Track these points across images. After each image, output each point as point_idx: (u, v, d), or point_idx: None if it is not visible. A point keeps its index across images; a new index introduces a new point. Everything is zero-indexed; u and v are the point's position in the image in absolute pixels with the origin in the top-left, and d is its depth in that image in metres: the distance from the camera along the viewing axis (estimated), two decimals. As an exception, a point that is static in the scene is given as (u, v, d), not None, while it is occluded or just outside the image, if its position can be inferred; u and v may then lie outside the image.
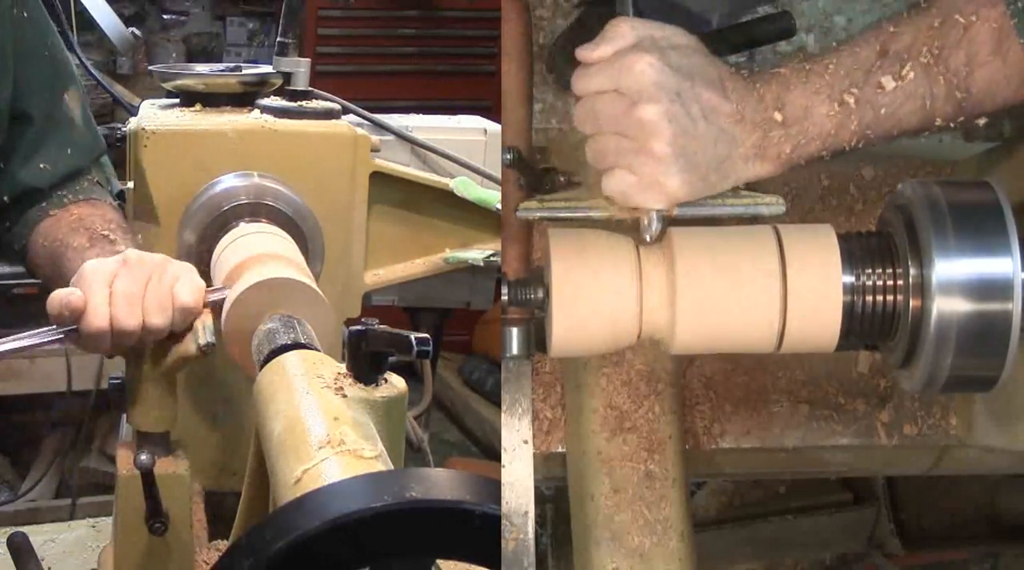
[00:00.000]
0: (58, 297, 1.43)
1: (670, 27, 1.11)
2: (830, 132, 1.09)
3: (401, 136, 2.10)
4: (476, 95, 3.93)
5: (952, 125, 1.11)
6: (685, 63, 1.08)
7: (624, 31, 1.09)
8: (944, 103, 1.09)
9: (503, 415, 1.23)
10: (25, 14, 1.73)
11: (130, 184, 1.92)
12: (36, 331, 1.44)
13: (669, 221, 1.15)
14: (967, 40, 1.08)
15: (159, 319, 1.43)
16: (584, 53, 1.10)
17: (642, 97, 1.06)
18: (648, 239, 1.11)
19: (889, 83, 1.08)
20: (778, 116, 1.08)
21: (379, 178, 2.01)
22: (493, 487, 0.94)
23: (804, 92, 1.09)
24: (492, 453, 3.64)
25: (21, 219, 1.73)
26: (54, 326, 1.44)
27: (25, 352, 1.45)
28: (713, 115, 1.08)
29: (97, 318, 1.41)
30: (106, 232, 1.65)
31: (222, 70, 2.16)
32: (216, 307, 1.50)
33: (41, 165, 1.73)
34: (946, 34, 1.08)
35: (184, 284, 1.47)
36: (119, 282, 1.44)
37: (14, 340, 1.43)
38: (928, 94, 1.09)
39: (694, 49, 1.10)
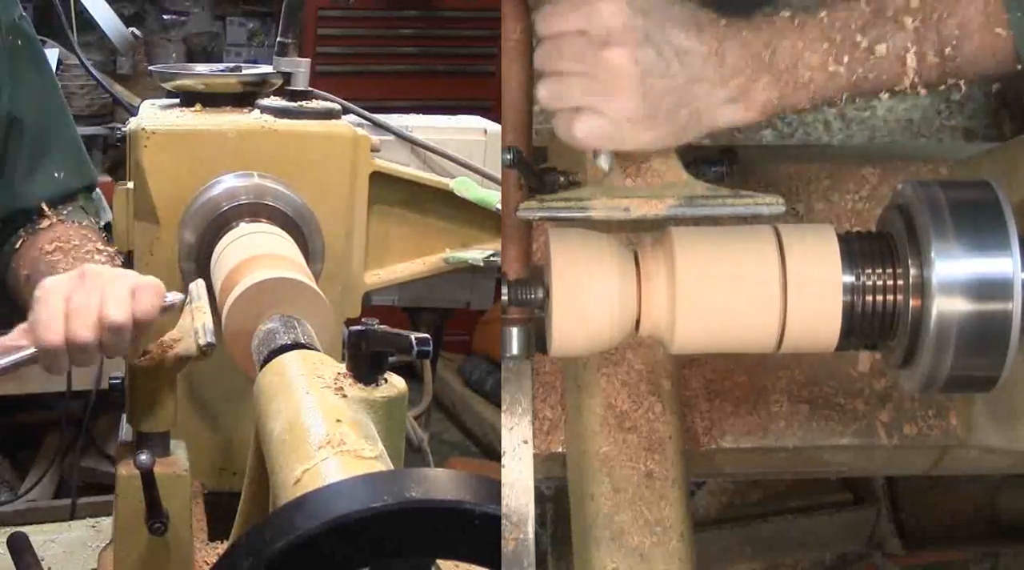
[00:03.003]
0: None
1: None
2: (819, 85, 1.09)
3: (401, 136, 2.10)
4: (476, 95, 3.93)
5: (928, 88, 1.11)
6: (656, 7, 1.07)
7: None
8: (930, 70, 1.09)
9: (503, 415, 1.23)
10: (19, 42, 1.74)
11: (130, 184, 1.92)
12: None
13: (673, 222, 1.15)
14: (960, 9, 1.07)
15: (120, 316, 1.40)
16: None
17: (611, 39, 1.06)
18: (606, 168, 1.11)
19: (880, 48, 1.08)
20: (767, 60, 1.08)
21: (379, 178, 2.01)
22: (493, 487, 0.94)
23: (797, 41, 1.08)
24: (492, 453, 3.64)
25: (8, 242, 1.73)
26: (16, 353, 1.43)
27: None
28: (687, 57, 1.07)
29: (51, 333, 1.40)
30: (80, 246, 1.65)
31: (222, 70, 2.16)
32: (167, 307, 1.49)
33: (32, 187, 1.73)
34: (941, 1, 1.07)
35: (139, 293, 1.43)
36: (75, 296, 1.42)
37: None
38: (916, 60, 1.08)
39: None
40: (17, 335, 1.45)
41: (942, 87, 1.10)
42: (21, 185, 1.72)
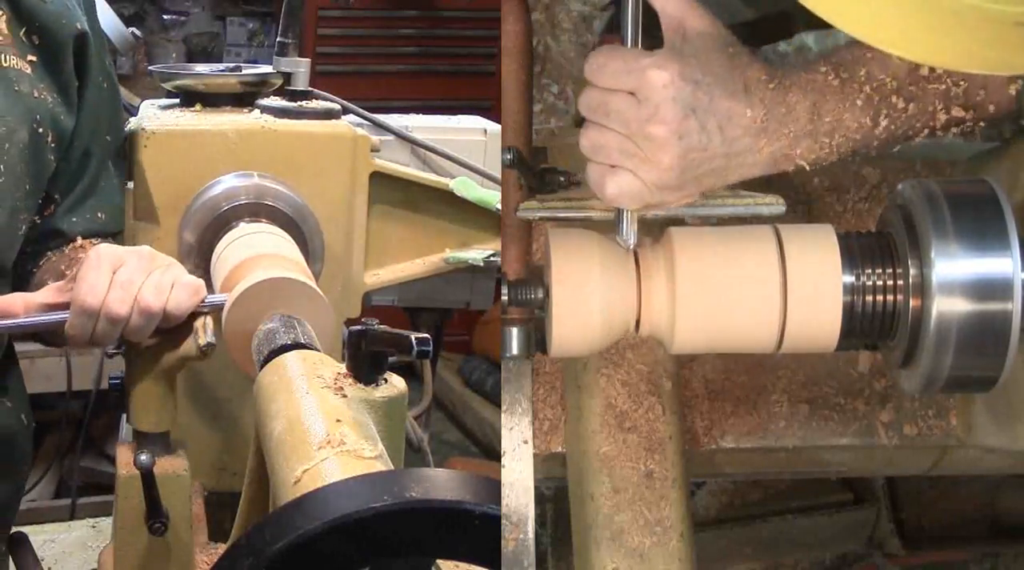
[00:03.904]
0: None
1: (706, 16, 1.10)
2: (853, 144, 1.10)
3: (401, 136, 2.10)
4: (476, 95, 3.93)
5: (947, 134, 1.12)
6: (707, 73, 1.07)
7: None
8: (953, 122, 1.11)
9: (503, 415, 1.23)
10: (105, 85, 1.76)
11: (130, 184, 1.92)
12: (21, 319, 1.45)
13: (672, 222, 1.15)
14: None
15: (154, 301, 1.43)
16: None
17: (657, 111, 1.06)
18: (629, 244, 1.12)
19: (913, 107, 1.09)
20: (811, 127, 1.08)
21: (379, 178, 2.01)
22: (493, 487, 0.94)
23: (839, 104, 1.08)
24: (492, 453, 3.64)
25: (34, 261, 1.73)
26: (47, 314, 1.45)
27: (18, 330, 1.46)
28: (730, 125, 1.07)
29: (91, 296, 1.42)
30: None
31: (222, 70, 2.16)
32: (214, 312, 1.50)
33: (75, 218, 1.74)
34: None
35: (179, 288, 1.47)
36: (123, 270, 1.45)
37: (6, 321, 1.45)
38: (944, 115, 1.10)
39: (719, 53, 1.08)
40: (50, 292, 1.49)
41: (959, 133, 1.12)
42: (66, 213, 1.73)
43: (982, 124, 1.13)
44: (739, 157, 1.09)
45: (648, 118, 1.06)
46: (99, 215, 1.76)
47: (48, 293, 1.49)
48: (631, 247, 1.14)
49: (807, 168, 1.10)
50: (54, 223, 1.72)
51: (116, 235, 1.82)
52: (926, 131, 1.11)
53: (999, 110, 1.11)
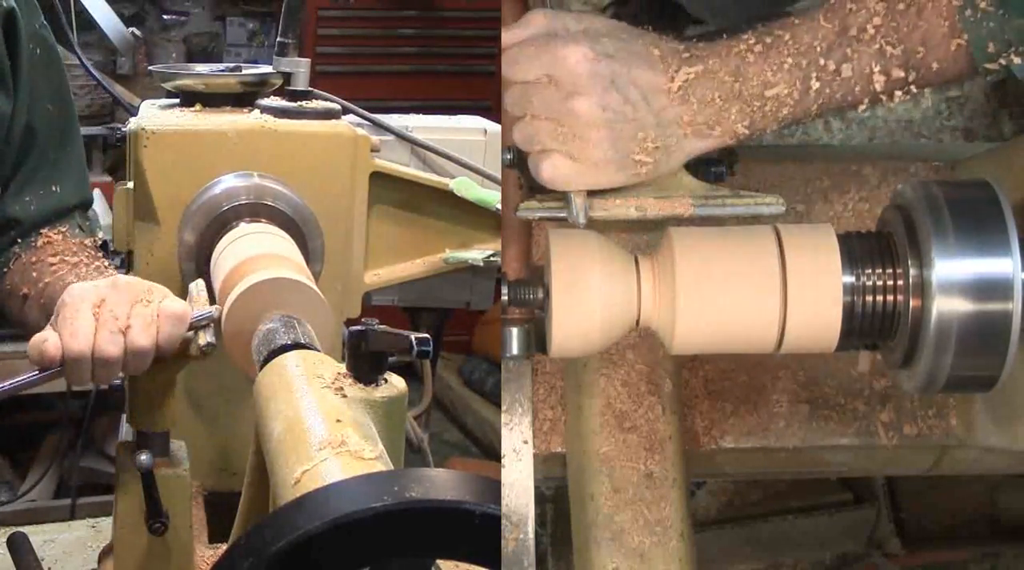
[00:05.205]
0: (35, 343, 1.38)
1: (587, 16, 1.12)
2: (788, 109, 1.09)
3: (401, 136, 2.10)
4: (476, 95, 3.94)
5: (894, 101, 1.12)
6: (619, 48, 1.08)
7: (537, 21, 1.11)
8: (896, 84, 1.09)
9: (503, 415, 1.24)
10: (39, 51, 1.71)
11: (130, 184, 1.92)
12: (19, 377, 1.38)
13: (673, 222, 1.15)
14: (923, 23, 1.07)
15: (145, 341, 1.38)
16: (505, 37, 1.12)
17: (576, 88, 1.07)
18: (580, 224, 1.12)
19: (846, 69, 1.08)
20: (736, 89, 1.08)
21: (379, 178, 2.01)
22: (493, 487, 0.94)
23: (764, 67, 1.08)
24: (492, 453, 3.64)
25: (1, 256, 1.69)
26: (36, 371, 1.38)
27: (6, 394, 1.40)
28: (654, 95, 1.08)
29: (77, 342, 1.36)
30: (84, 263, 1.63)
31: (222, 70, 2.16)
32: (201, 326, 1.47)
33: (27, 197, 1.68)
34: (904, 14, 1.07)
35: (164, 320, 1.40)
36: (105, 307, 1.40)
37: None
38: (882, 77, 1.08)
39: (625, 32, 1.10)
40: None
41: (908, 97, 1.10)
42: (17, 195, 1.67)
43: (926, 93, 1.12)
44: (672, 127, 1.09)
45: (568, 95, 1.07)
46: (53, 188, 1.70)
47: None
48: (582, 226, 1.13)
49: (748, 134, 1.10)
50: (7, 210, 1.66)
51: (81, 207, 1.77)
52: (867, 97, 1.09)
53: (945, 70, 1.08)
